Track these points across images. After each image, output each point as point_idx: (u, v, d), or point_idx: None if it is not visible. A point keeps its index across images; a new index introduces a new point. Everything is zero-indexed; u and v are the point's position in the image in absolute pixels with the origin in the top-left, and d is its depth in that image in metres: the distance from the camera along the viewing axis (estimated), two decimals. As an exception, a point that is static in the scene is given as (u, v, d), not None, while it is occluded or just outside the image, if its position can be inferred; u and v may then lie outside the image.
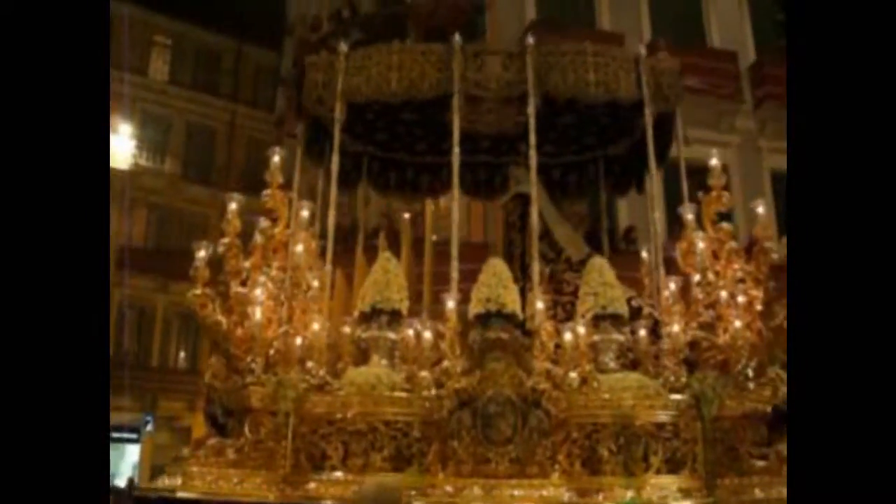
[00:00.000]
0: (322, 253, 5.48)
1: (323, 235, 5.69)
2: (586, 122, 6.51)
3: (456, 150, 5.40)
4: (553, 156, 7.13)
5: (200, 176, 19.49)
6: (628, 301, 5.64)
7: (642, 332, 4.92)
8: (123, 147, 18.72)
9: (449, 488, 4.33)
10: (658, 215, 5.29)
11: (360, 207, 7.10)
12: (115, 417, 18.88)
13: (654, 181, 5.40)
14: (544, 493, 4.35)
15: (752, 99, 14.68)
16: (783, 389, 4.95)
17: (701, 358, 5.01)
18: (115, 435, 19.19)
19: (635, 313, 5.54)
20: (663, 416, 4.61)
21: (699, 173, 15.67)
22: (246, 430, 4.77)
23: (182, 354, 19.54)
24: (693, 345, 5.11)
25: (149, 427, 18.37)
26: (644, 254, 6.18)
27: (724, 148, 14.86)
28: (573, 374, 4.57)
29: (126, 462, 19.62)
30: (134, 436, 19.11)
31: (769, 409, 4.87)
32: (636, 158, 6.50)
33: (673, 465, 4.58)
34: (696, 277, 4.98)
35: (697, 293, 4.92)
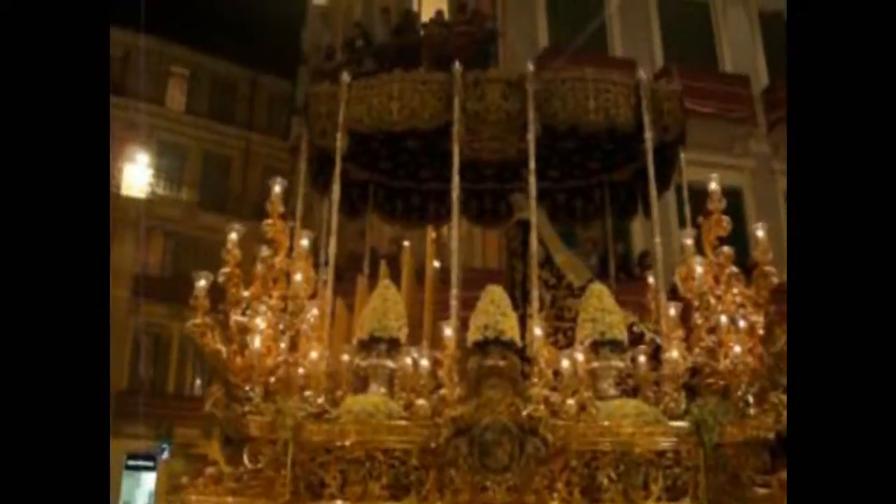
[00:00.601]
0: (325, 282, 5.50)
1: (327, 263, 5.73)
2: (590, 148, 6.53)
3: (455, 178, 5.42)
4: (558, 181, 7.17)
5: (216, 204, 19.67)
6: (629, 327, 5.63)
7: (642, 359, 4.88)
8: (140, 176, 18.97)
9: (444, 517, 4.30)
10: (658, 240, 5.26)
11: (367, 236, 7.14)
12: (132, 445, 19.00)
13: (655, 206, 5.37)
14: (541, 522, 4.33)
15: (765, 122, 14.66)
16: (785, 414, 4.90)
17: (703, 384, 4.96)
18: (130, 462, 19.29)
19: (637, 339, 5.51)
20: (663, 444, 4.57)
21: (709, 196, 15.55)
22: (245, 458, 4.79)
23: (198, 382, 19.64)
24: (695, 371, 5.08)
25: (164, 454, 18.43)
26: (651, 279, 6.16)
27: (739, 172, 14.86)
28: (571, 402, 4.55)
29: (142, 490, 19.67)
30: (150, 463, 19.17)
31: (772, 435, 4.81)
32: (642, 183, 6.50)
33: (674, 493, 4.54)
34: (696, 303, 4.95)
35: (696, 318, 4.89)
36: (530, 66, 5.61)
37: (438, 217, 7.43)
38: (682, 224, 5.59)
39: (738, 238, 15.39)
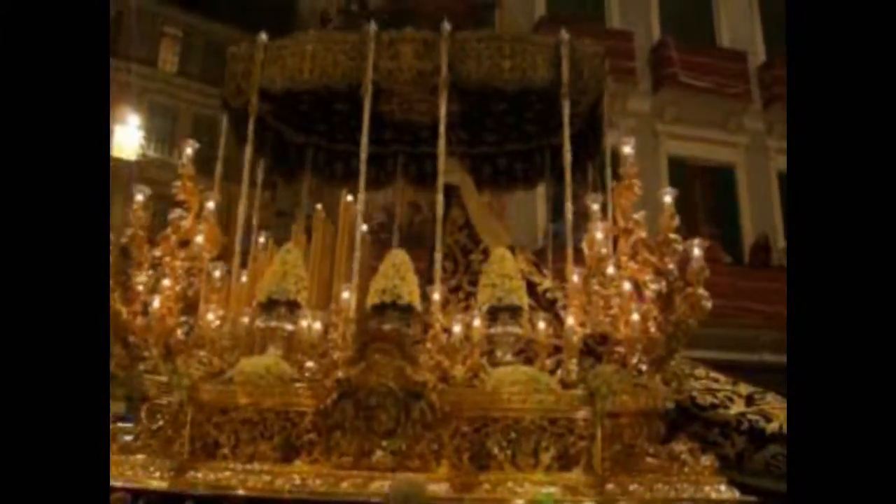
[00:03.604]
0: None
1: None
2: (522, 110, 6.41)
3: (364, 140, 5.36)
4: (497, 144, 7.07)
5: (207, 167, 19.42)
6: (543, 293, 5.57)
7: (541, 325, 4.82)
8: (131, 138, 18.97)
9: (319, 481, 4.31)
10: (570, 205, 5.16)
11: (303, 199, 7.09)
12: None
13: (568, 171, 5.26)
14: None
15: (761, 99, 14.44)
16: (686, 385, 4.85)
17: (608, 352, 4.90)
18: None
19: (549, 306, 5.46)
20: (555, 412, 4.53)
21: (708, 172, 15.36)
22: (143, 417, 4.83)
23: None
24: (604, 338, 5.02)
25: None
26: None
27: (732, 148, 14.67)
28: (459, 367, 4.51)
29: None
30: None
31: (671, 405, 4.77)
32: (580, 148, 6.39)
33: (566, 462, 4.49)
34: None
35: (593, 285, 4.81)
36: (446, 26, 5.49)
37: (378, 181, 7.39)
38: (603, 189, 5.50)
39: (731, 214, 15.22)
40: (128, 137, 18.93)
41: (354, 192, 7.46)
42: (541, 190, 7.84)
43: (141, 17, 19.68)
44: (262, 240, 6.08)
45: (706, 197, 14.49)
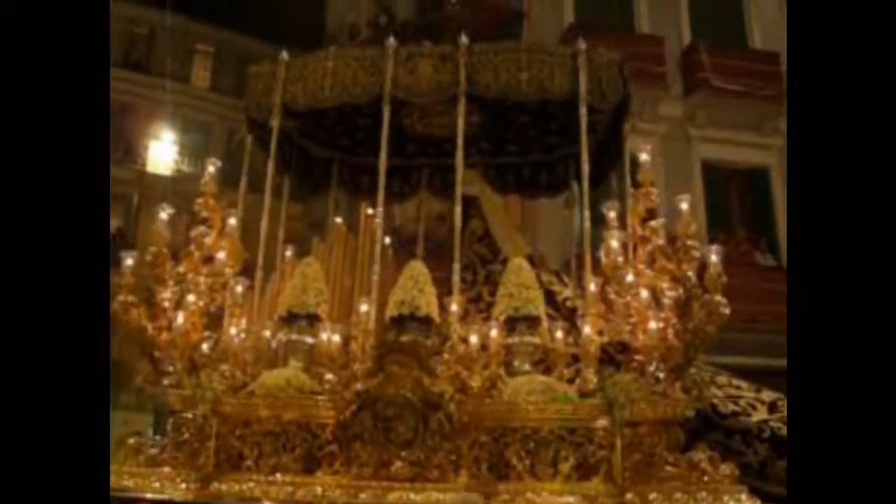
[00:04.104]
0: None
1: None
2: (543, 121, 6.43)
3: (383, 154, 5.41)
4: (520, 154, 7.10)
5: (239, 180, 19.63)
6: (563, 302, 5.58)
7: (559, 334, 4.83)
8: (166, 153, 19.33)
9: (339, 492, 4.37)
10: (588, 213, 5.16)
11: (330, 214, 7.18)
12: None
13: (586, 179, 5.26)
14: (441, 496, 4.34)
15: (795, 100, 14.20)
16: (706, 392, 4.82)
17: (626, 361, 4.90)
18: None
19: (570, 315, 5.47)
20: (573, 421, 4.53)
21: (743, 175, 15.12)
22: (169, 430, 4.93)
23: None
24: (624, 346, 5.01)
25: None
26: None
27: (767, 151, 14.49)
28: (476, 378, 4.54)
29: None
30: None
31: (691, 413, 4.74)
32: (605, 156, 6.40)
33: (585, 471, 4.49)
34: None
35: (609, 293, 4.81)
36: (464, 40, 5.54)
37: (403, 194, 7.46)
38: (623, 197, 5.50)
39: (766, 217, 14.94)
40: (162, 153, 19.27)
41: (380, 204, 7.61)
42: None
43: (173, 35, 20.04)
44: (288, 253, 6.18)
45: (741, 200, 14.34)
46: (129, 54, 20.80)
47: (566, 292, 5.64)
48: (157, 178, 18.49)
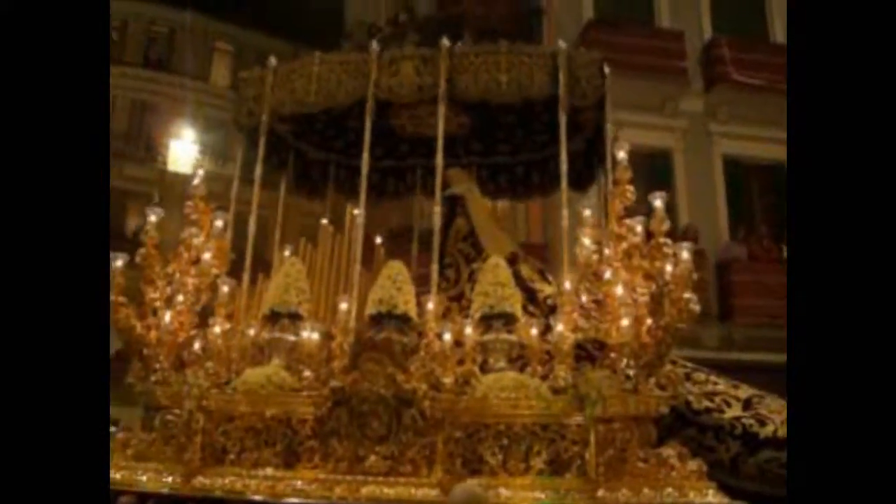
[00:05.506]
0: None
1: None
2: (530, 121, 6.50)
3: (365, 155, 5.52)
4: (510, 154, 7.17)
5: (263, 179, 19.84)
6: (544, 300, 5.65)
7: (533, 331, 4.91)
8: (187, 152, 19.63)
9: (315, 486, 4.50)
10: (566, 212, 5.23)
11: (327, 214, 7.30)
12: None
13: (564, 177, 5.32)
14: (414, 491, 4.45)
15: (817, 95, 14.01)
16: (680, 389, 4.87)
17: (600, 357, 4.96)
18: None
19: (551, 312, 5.53)
20: (546, 417, 4.61)
21: (765, 171, 14.89)
22: (157, 425, 5.10)
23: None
24: (601, 344, 5.07)
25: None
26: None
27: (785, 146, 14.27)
28: (449, 375, 4.63)
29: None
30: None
31: (665, 409, 4.79)
32: (593, 154, 6.46)
33: (558, 467, 4.57)
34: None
35: (580, 291, 4.88)
36: (445, 42, 5.62)
37: (398, 193, 7.57)
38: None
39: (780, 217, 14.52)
40: (184, 151, 19.57)
41: (376, 204, 7.73)
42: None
43: (193, 34, 20.32)
44: (287, 253, 6.30)
45: (763, 196, 14.18)
46: (150, 53, 21.17)
47: (548, 290, 5.70)
48: (178, 176, 18.77)
